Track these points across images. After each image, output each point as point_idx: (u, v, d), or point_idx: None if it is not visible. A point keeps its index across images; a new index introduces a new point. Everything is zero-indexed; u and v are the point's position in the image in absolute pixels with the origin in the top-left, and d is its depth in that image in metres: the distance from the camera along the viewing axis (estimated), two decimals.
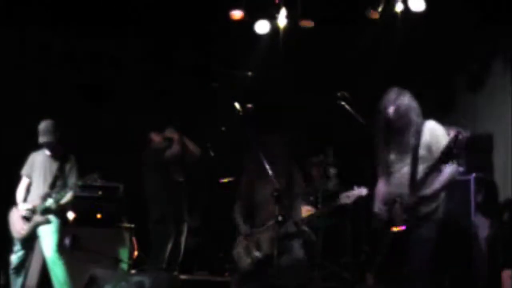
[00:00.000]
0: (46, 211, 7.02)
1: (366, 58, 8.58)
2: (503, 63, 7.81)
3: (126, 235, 8.09)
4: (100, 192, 8.20)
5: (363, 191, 6.21)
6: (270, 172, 5.96)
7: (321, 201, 8.03)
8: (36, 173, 7.15)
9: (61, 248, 7.10)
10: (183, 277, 7.44)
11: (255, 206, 6.41)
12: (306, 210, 7.61)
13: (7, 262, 7.15)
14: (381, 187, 5.77)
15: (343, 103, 7.49)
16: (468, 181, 7.04)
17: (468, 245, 6.90)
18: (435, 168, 5.39)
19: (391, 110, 5.55)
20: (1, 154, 7.95)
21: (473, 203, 7.00)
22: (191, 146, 7.59)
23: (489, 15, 7.70)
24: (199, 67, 9.32)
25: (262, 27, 8.62)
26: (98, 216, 8.12)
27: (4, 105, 8.33)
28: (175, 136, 7.50)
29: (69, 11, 8.64)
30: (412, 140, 5.53)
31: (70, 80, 8.97)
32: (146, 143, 7.61)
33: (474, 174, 7.05)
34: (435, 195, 5.48)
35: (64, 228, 7.27)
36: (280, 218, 5.91)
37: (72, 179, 7.12)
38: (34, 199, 7.08)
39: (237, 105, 6.30)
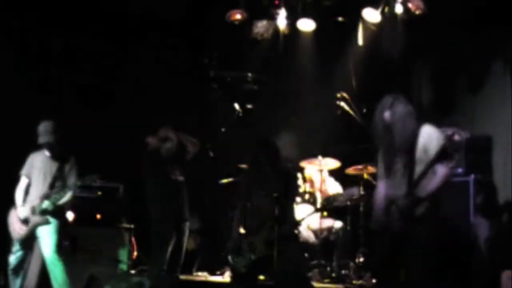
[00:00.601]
0: (45, 211, 6.99)
1: (366, 59, 8.56)
2: (502, 64, 7.82)
3: (126, 236, 8.07)
4: (99, 193, 8.17)
5: (354, 192, 6.17)
6: (269, 173, 5.90)
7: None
8: (36, 173, 7.12)
9: (60, 249, 7.07)
10: (182, 277, 7.42)
11: (251, 208, 6.40)
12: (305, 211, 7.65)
13: (6, 262, 7.12)
14: (380, 190, 5.77)
15: (342, 104, 7.52)
16: (467, 182, 7.06)
17: (467, 246, 6.91)
18: (430, 168, 5.38)
19: (387, 114, 5.60)
20: (0, 155, 7.93)
21: (472, 204, 7.01)
22: (188, 139, 7.56)
23: (488, 16, 7.71)
24: (198, 68, 9.25)
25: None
26: (98, 216, 8.09)
27: (3, 106, 8.30)
28: (169, 133, 7.47)
29: (68, 11, 8.66)
30: (408, 144, 5.55)
31: (70, 81, 8.94)
32: (143, 148, 7.58)
33: (473, 175, 7.06)
34: (429, 196, 5.48)
35: (63, 228, 7.24)
36: (276, 220, 5.91)
37: (71, 180, 7.10)
38: (33, 200, 7.05)
39: (236, 106, 6.27)
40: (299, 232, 6.73)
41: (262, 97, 8.89)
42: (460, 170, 7.08)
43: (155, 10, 8.80)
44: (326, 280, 7.56)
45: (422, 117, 5.73)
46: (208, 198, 8.74)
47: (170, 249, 7.26)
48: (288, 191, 6.33)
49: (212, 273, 8.12)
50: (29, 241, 7.05)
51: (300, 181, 8.09)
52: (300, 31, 8.63)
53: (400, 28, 8.14)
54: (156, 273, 7.15)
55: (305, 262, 7.43)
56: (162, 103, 9.04)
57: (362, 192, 6.40)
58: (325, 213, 8.00)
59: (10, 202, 7.16)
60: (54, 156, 7.15)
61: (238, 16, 8.47)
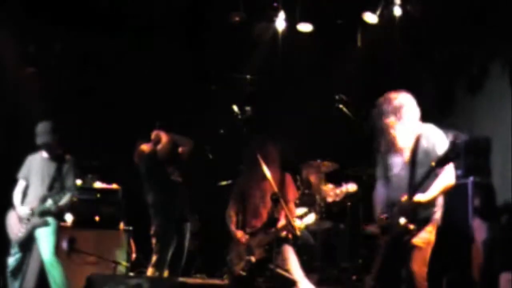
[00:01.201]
0: (43, 213, 7.00)
1: (364, 61, 8.58)
2: (501, 66, 7.80)
3: (124, 238, 8.09)
4: (98, 195, 8.18)
5: (351, 187, 6.15)
6: (267, 175, 5.90)
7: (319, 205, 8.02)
8: (34, 175, 7.13)
9: (58, 251, 7.09)
10: (181, 279, 7.37)
11: (247, 210, 6.38)
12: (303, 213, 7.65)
13: (4, 264, 7.13)
14: (380, 191, 5.75)
15: (341, 106, 7.51)
16: (466, 184, 7.00)
17: (466, 248, 6.86)
18: (432, 172, 5.36)
19: (389, 113, 5.57)
20: None
21: (471, 207, 6.95)
22: (180, 139, 7.56)
23: (488, 18, 7.72)
24: (197, 69, 9.31)
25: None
26: (96, 218, 8.11)
27: (1, 107, 8.30)
28: (161, 135, 7.48)
29: (68, 12, 8.66)
30: (410, 144, 5.53)
31: (69, 82, 8.94)
32: (138, 156, 7.59)
33: (472, 178, 7.01)
34: (432, 199, 5.45)
35: (62, 230, 7.26)
36: (274, 221, 5.90)
37: (70, 181, 7.10)
38: (32, 202, 7.05)
39: (235, 108, 6.26)
40: (296, 234, 6.69)
41: (261, 99, 8.90)
42: (459, 172, 6.87)
43: (155, 10, 8.81)
44: (326, 283, 7.56)
45: (422, 119, 5.68)
46: (206, 200, 8.75)
47: (171, 251, 7.28)
48: (286, 193, 6.29)
49: (211, 275, 8.10)
50: (28, 243, 7.05)
51: (298, 183, 8.12)
52: (299, 33, 8.64)
53: (399, 30, 8.17)
54: (154, 275, 7.14)
55: (307, 263, 7.42)
56: (161, 104, 9.06)
57: (355, 188, 6.38)
58: (324, 215, 8.03)
59: (8, 204, 7.15)
60: (52, 157, 7.15)
61: (237, 18, 8.51)
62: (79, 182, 7.12)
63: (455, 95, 8.37)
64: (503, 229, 7.11)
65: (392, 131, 5.56)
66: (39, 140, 7.09)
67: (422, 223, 5.44)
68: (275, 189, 5.92)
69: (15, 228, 7.03)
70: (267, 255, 6.01)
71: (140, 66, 9.08)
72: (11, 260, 7.05)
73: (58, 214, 7.15)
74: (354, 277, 7.72)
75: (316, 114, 8.83)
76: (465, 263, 6.79)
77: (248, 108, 6.42)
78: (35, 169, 7.14)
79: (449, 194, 6.35)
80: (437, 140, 5.51)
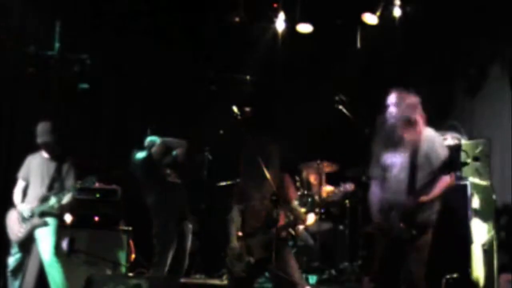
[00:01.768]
0: (43, 213, 6.98)
1: (364, 62, 8.58)
2: (501, 68, 7.85)
3: (124, 238, 8.03)
4: (97, 195, 8.16)
5: (349, 186, 6.16)
6: (267, 176, 5.93)
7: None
8: (33, 175, 7.11)
9: (58, 251, 7.07)
10: (180, 280, 7.40)
11: (246, 211, 6.37)
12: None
13: (4, 264, 7.12)
14: (376, 192, 5.74)
15: (341, 107, 7.50)
16: (465, 185, 6.96)
17: (465, 250, 6.83)
18: (434, 177, 5.36)
19: (393, 112, 5.60)
20: None
21: (470, 208, 6.92)
22: (174, 142, 7.58)
23: (487, 20, 7.71)
24: (197, 70, 9.29)
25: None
26: (96, 218, 8.08)
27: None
28: (154, 142, 7.53)
29: (67, 12, 8.63)
30: (410, 147, 5.53)
31: (68, 82, 8.81)
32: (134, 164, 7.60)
33: (471, 179, 6.99)
34: (432, 202, 5.47)
35: (62, 230, 7.24)
36: (273, 221, 5.93)
37: (69, 181, 7.09)
38: (31, 202, 7.03)
39: (235, 108, 6.27)
40: (294, 234, 6.70)
41: (261, 100, 8.89)
42: (458, 173, 6.94)
43: (154, 10, 8.81)
44: (325, 284, 7.57)
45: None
46: (206, 201, 8.75)
47: (172, 251, 7.29)
48: (286, 193, 6.29)
49: (210, 275, 8.10)
50: (28, 243, 7.03)
51: (297, 184, 8.13)
52: (298, 33, 8.65)
53: (398, 31, 8.17)
54: (153, 275, 7.15)
55: (306, 264, 7.41)
56: (161, 105, 9.08)
57: (353, 187, 6.38)
58: (323, 216, 8.03)
59: (8, 205, 7.14)
60: (52, 157, 7.14)
61: (237, 19, 8.52)
62: (78, 182, 7.06)
63: (455, 96, 8.39)
64: (502, 231, 7.11)
65: (393, 132, 5.56)
66: (39, 140, 7.08)
67: (422, 228, 5.45)
68: (275, 189, 5.92)
69: (15, 228, 7.01)
70: (267, 255, 6.00)
71: (140, 67, 9.09)
72: (11, 260, 7.03)
73: (58, 215, 7.12)
74: (353, 278, 7.70)
75: (316, 115, 8.81)
76: (464, 264, 6.76)
77: (247, 108, 6.40)
78: (35, 169, 7.13)
79: (449, 195, 6.37)
80: (437, 145, 5.52)
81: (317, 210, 7.82)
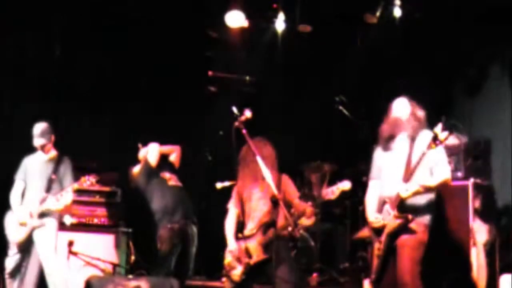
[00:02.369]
0: (42, 215, 6.96)
1: (364, 62, 8.56)
2: (501, 68, 7.83)
3: (124, 240, 8.07)
4: (97, 197, 8.17)
5: (346, 185, 6.13)
6: (266, 178, 5.89)
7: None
8: (31, 177, 7.10)
9: (57, 253, 7.05)
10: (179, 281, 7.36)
11: (246, 212, 6.36)
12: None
13: (2, 266, 7.10)
14: (373, 194, 5.78)
15: (341, 107, 7.49)
16: (466, 186, 6.94)
17: (466, 251, 6.80)
18: (424, 158, 5.37)
19: (395, 118, 5.67)
20: None
21: (471, 209, 6.88)
22: (166, 149, 7.62)
23: (487, 20, 7.70)
24: (196, 71, 9.28)
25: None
26: (95, 220, 8.11)
27: None
28: (149, 155, 7.52)
29: (65, 14, 8.65)
30: (408, 148, 5.58)
31: (68, 83, 8.89)
32: (132, 179, 7.64)
33: (472, 179, 6.96)
34: (425, 190, 5.48)
35: (61, 232, 7.25)
36: (272, 222, 5.93)
37: (67, 181, 7.07)
38: (30, 203, 7.01)
39: (234, 109, 6.23)
40: (294, 235, 6.70)
41: (261, 100, 8.88)
42: (459, 174, 7.00)
43: (152, 10, 8.79)
44: (325, 284, 7.55)
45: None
46: (205, 202, 8.72)
47: (176, 255, 7.29)
48: (287, 192, 6.28)
49: (210, 277, 8.06)
50: (26, 245, 7.01)
51: (297, 184, 8.10)
52: (299, 34, 8.65)
53: (398, 31, 8.17)
54: (153, 277, 7.13)
55: (305, 265, 7.39)
56: (159, 105, 9.08)
57: (349, 186, 6.39)
58: (322, 215, 8.01)
59: (6, 206, 7.12)
60: (49, 158, 7.12)
61: (236, 20, 8.49)
62: (77, 183, 7.05)
63: (454, 96, 8.38)
64: (503, 231, 7.09)
65: (393, 135, 5.63)
66: (36, 141, 7.07)
67: (414, 211, 5.44)
68: (274, 190, 5.88)
69: (14, 230, 6.99)
70: (266, 257, 5.99)
71: (137, 67, 9.07)
72: (10, 262, 7.01)
73: (57, 216, 7.11)
74: (353, 279, 7.67)
75: (316, 115, 8.82)
76: (465, 265, 6.74)
77: (247, 109, 6.39)
78: (32, 171, 7.11)
79: (449, 195, 6.47)
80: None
81: (317, 210, 7.80)
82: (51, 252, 6.99)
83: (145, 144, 7.62)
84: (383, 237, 5.57)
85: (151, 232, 7.43)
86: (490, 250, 6.90)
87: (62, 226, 7.45)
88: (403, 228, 5.47)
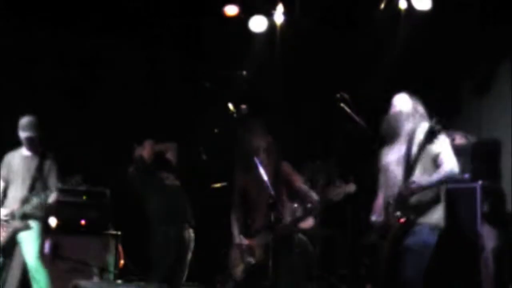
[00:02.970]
0: (25, 216, 6.83)
1: (368, 59, 8.49)
2: (510, 68, 7.79)
3: (112, 243, 7.98)
4: (84, 197, 8.09)
5: (351, 187, 6.09)
6: (264, 178, 5.80)
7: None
8: (14, 175, 6.96)
9: (42, 256, 6.93)
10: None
11: (248, 213, 6.30)
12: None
13: None
14: (380, 200, 5.66)
15: (342, 105, 7.32)
16: (474, 189, 6.89)
17: (474, 256, 6.76)
18: (424, 150, 5.22)
19: (396, 112, 5.59)
20: None
21: (479, 212, 6.83)
22: (162, 147, 7.50)
23: (496, 19, 7.70)
24: (191, 66, 9.22)
25: (257, 24, 8.47)
26: (82, 222, 8.01)
27: None
28: (139, 151, 7.36)
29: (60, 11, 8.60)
30: (408, 143, 5.45)
31: (56, 81, 8.83)
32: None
33: (480, 182, 6.90)
34: (428, 185, 5.30)
35: (46, 234, 7.14)
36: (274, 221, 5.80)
37: (52, 180, 6.94)
38: (12, 204, 6.87)
39: (230, 106, 6.12)
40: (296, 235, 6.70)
41: (257, 97, 8.73)
42: (466, 176, 6.93)
43: (147, 7, 8.75)
44: None
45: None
46: (200, 203, 8.56)
47: (170, 260, 7.08)
48: (292, 180, 6.24)
49: (203, 283, 7.85)
50: (9, 248, 6.90)
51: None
52: (298, 28, 8.55)
53: (404, 28, 8.12)
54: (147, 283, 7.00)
55: (306, 270, 7.30)
56: (152, 103, 9.04)
57: (353, 188, 6.25)
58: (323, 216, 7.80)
59: None
60: (33, 154, 6.98)
61: (233, 12, 8.45)
62: (62, 182, 6.94)
63: (463, 97, 8.37)
64: None
65: (396, 133, 5.56)
66: (22, 134, 6.91)
67: (416, 211, 5.28)
68: (272, 192, 5.76)
69: None
70: (268, 256, 5.86)
71: (130, 64, 9.01)
72: None
73: (42, 217, 6.97)
74: (354, 286, 7.60)
75: (316, 113, 8.74)
76: (473, 272, 6.68)
77: (244, 106, 6.22)
78: (15, 169, 6.98)
79: (457, 199, 6.48)
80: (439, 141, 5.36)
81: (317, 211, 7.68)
82: (37, 255, 6.84)
83: (140, 143, 7.46)
84: (387, 241, 5.40)
85: (142, 235, 7.26)
86: (499, 257, 6.81)
87: (47, 228, 7.31)
88: (407, 231, 5.29)
